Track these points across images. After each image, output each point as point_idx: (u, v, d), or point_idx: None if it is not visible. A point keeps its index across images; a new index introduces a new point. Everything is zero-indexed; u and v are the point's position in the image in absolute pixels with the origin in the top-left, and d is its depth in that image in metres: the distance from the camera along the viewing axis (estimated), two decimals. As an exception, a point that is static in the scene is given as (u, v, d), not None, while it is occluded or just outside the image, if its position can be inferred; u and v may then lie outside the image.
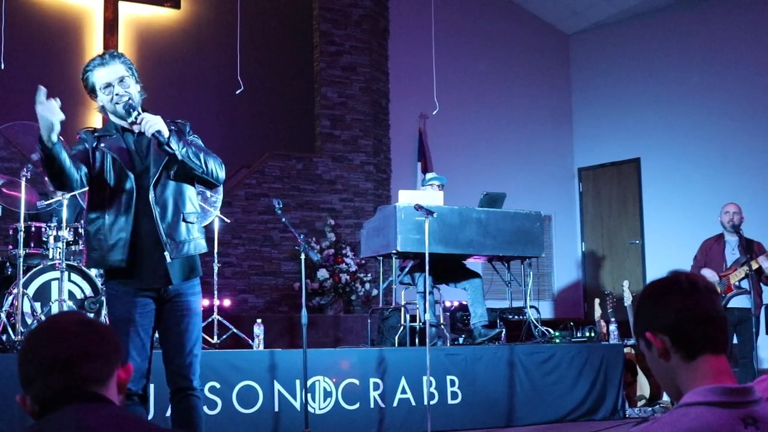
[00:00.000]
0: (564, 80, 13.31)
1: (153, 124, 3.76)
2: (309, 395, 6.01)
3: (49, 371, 1.70)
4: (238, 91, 9.72)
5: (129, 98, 3.83)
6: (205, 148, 3.98)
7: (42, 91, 3.45)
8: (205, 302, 7.94)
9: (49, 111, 3.48)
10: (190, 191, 3.99)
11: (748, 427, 1.68)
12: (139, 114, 3.80)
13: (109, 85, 3.84)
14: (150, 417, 5.39)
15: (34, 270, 6.38)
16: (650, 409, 7.65)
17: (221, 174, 3.96)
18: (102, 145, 3.86)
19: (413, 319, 7.40)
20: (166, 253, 3.82)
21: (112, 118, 3.93)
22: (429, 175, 8.14)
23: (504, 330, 7.72)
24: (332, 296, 10.09)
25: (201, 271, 4.01)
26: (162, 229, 3.82)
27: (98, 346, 1.75)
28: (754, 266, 7.17)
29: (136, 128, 3.84)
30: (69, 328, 1.75)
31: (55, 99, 3.48)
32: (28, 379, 1.73)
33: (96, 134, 3.92)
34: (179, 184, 3.92)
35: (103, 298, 6.46)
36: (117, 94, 3.83)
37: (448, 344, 7.45)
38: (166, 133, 3.77)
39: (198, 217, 4.01)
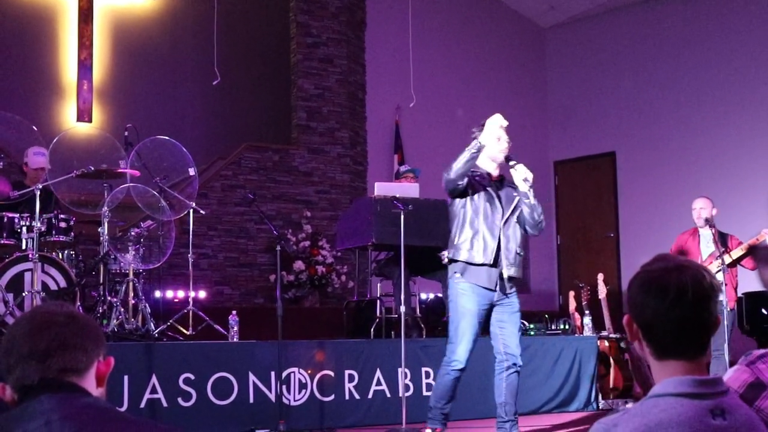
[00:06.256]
0: (540, 74, 13.35)
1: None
2: (284, 387, 6.01)
3: (27, 360, 1.71)
4: (214, 82, 9.69)
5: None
6: None
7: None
8: (180, 294, 7.91)
9: None
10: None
11: (717, 418, 1.69)
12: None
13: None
14: (123, 410, 5.38)
15: (7, 261, 6.31)
16: (623, 401, 7.71)
17: None
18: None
19: (389, 311, 7.41)
20: None
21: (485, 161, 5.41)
22: (403, 168, 8.16)
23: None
24: (308, 288, 10.08)
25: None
26: None
27: (78, 338, 1.76)
28: (728, 260, 7.21)
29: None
30: (51, 319, 1.75)
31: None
32: (8, 368, 1.74)
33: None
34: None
35: (76, 290, 6.42)
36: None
37: (424, 336, 7.47)
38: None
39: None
